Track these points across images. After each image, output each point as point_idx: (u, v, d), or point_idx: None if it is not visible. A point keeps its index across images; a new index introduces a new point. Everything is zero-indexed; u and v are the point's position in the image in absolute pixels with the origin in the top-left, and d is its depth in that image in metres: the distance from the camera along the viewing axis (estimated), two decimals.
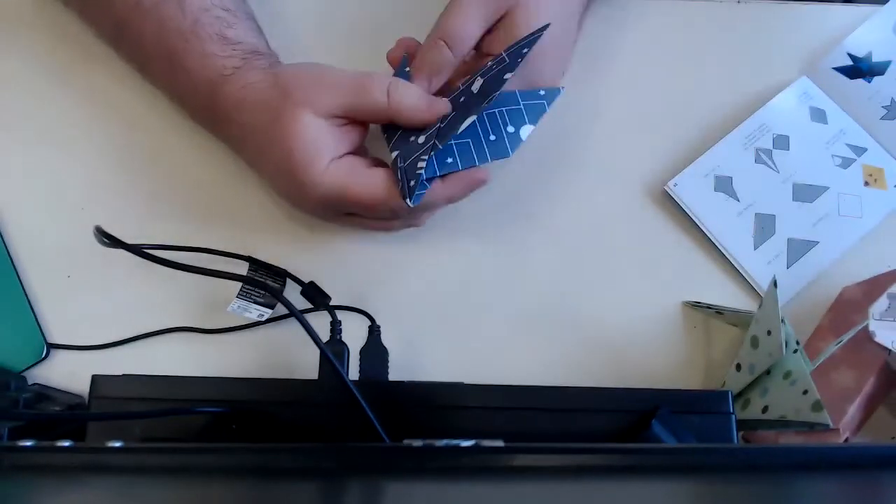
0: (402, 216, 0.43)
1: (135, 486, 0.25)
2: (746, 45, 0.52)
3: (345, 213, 0.43)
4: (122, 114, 0.48)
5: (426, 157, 0.40)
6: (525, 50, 0.41)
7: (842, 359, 0.43)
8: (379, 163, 0.43)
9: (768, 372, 0.41)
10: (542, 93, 0.42)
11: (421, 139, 0.41)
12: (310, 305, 0.45)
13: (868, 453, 0.28)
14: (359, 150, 0.43)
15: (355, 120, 0.42)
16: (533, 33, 0.42)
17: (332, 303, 0.45)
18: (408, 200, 0.39)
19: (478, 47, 0.44)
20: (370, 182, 0.40)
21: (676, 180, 0.49)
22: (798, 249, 0.48)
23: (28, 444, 0.26)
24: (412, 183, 0.39)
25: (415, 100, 0.41)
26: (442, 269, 0.47)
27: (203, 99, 0.42)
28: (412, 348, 0.46)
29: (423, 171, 0.39)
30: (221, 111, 0.42)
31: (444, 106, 0.42)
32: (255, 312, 0.43)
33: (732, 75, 0.52)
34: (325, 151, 0.40)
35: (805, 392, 0.37)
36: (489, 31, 0.44)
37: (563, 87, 0.43)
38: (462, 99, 0.42)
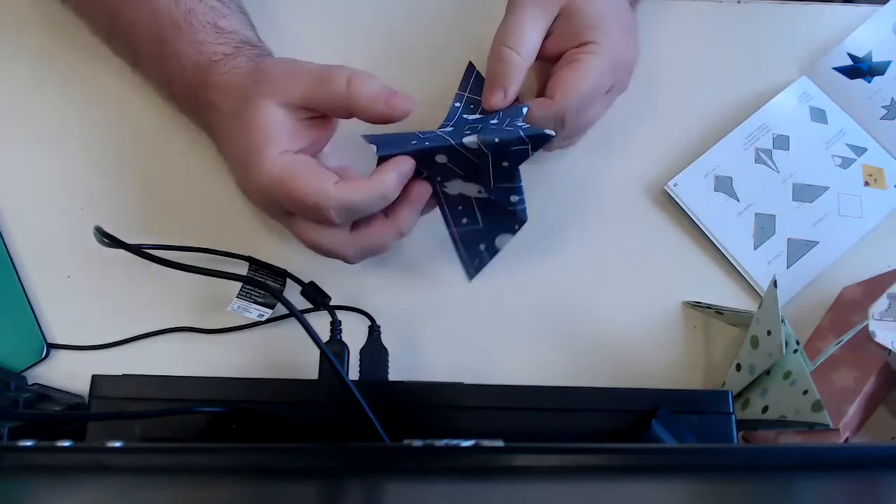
0: (331, 223, 0.39)
1: (135, 486, 0.25)
2: (746, 45, 0.52)
3: (285, 210, 0.40)
4: (122, 114, 0.48)
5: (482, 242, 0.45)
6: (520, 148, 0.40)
7: (842, 359, 0.43)
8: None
9: (768, 372, 0.41)
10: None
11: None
12: (310, 305, 0.45)
13: (868, 453, 0.28)
14: (317, 154, 0.42)
15: (320, 115, 0.41)
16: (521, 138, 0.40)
17: (332, 303, 0.45)
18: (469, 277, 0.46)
19: (539, 52, 0.43)
20: (313, 181, 0.38)
21: (676, 180, 0.49)
22: (798, 249, 0.48)
23: (28, 444, 0.26)
24: (476, 261, 0.46)
25: (374, 90, 0.39)
26: (442, 270, 0.47)
27: (190, 81, 0.42)
28: (412, 348, 0.46)
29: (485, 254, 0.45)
30: (205, 95, 0.42)
31: (406, 103, 0.40)
32: (255, 312, 0.43)
33: (732, 75, 0.52)
34: (278, 141, 0.39)
35: (805, 392, 0.37)
36: (547, 35, 0.43)
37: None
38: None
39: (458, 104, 0.45)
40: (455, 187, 0.42)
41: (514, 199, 0.42)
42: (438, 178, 0.42)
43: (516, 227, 0.44)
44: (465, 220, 0.44)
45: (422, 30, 0.51)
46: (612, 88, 0.44)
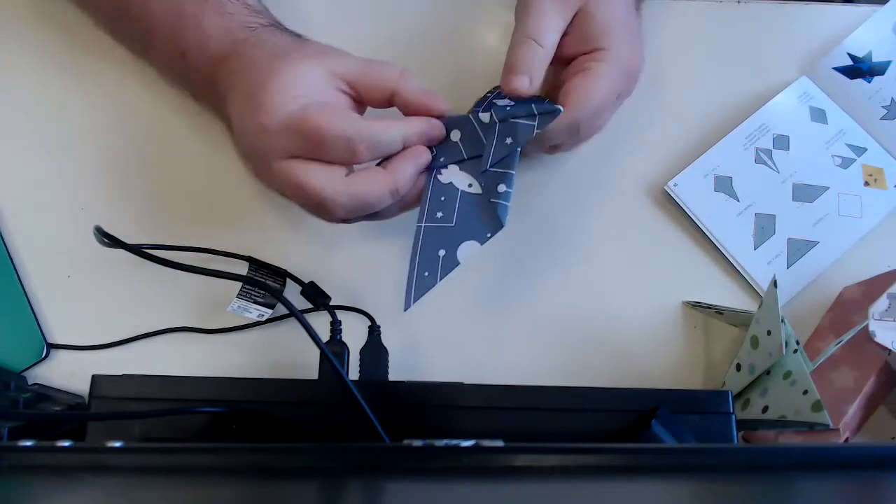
0: (358, 158, 0.37)
1: (135, 486, 0.25)
2: (746, 45, 0.52)
3: (291, 153, 0.37)
4: (122, 114, 0.48)
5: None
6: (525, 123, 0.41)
7: (842, 359, 0.43)
8: None
9: (768, 372, 0.41)
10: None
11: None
12: (310, 305, 0.45)
13: (868, 453, 0.28)
14: None
15: (355, 95, 0.40)
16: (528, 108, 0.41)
17: (332, 303, 0.45)
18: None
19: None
20: (332, 113, 0.37)
21: (676, 180, 0.49)
22: (798, 249, 0.48)
23: (28, 444, 0.26)
24: (425, 275, 0.39)
25: (419, 86, 0.40)
26: None
27: (214, 49, 0.41)
28: (412, 348, 0.46)
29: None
30: (226, 65, 0.40)
31: (444, 103, 0.41)
32: (255, 312, 0.43)
33: (732, 75, 0.52)
34: (303, 92, 0.37)
35: (805, 392, 0.37)
36: (564, 35, 0.43)
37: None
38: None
39: (490, 94, 0.46)
40: (449, 175, 0.42)
41: (501, 188, 0.41)
42: (441, 159, 0.42)
43: (489, 233, 0.40)
44: (439, 215, 0.41)
45: (422, 31, 0.52)
46: (620, 94, 0.45)
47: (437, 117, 0.41)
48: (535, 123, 0.40)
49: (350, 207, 0.38)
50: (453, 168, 0.42)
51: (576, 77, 0.42)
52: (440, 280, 0.39)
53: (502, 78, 0.42)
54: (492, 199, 0.41)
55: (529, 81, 0.41)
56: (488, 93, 0.46)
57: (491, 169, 0.41)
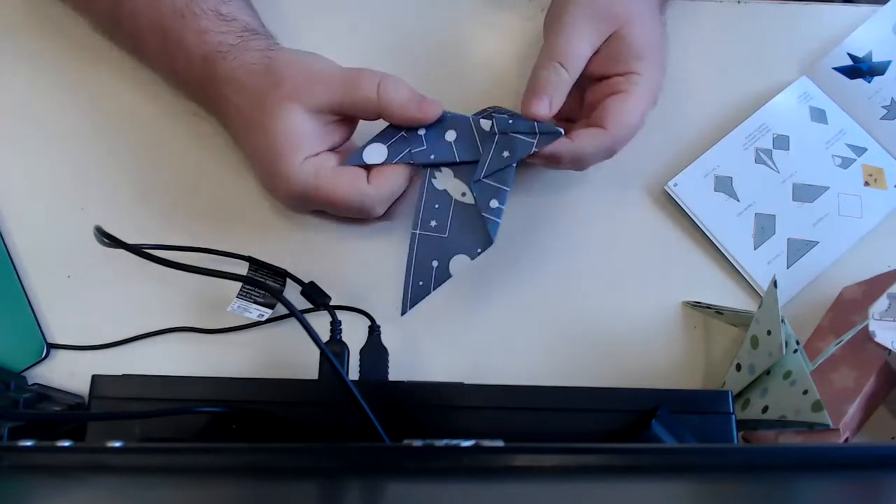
0: (372, 217, 0.44)
1: (135, 486, 0.25)
2: (746, 45, 0.52)
3: (313, 209, 0.45)
4: (122, 113, 0.48)
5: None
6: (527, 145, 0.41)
7: (842, 359, 0.43)
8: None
9: (768, 372, 0.41)
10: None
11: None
12: (310, 305, 0.45)
13: (868, 453, 0.28)
14: (344, 147, 0.44)
15: (345, 117, 0.42)
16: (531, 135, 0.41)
17: (332, 303, 0.45)
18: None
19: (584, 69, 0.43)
20: (342, 183, 0.41)
21: (676, 180, 0.49)
22: (798, 249, 0.48)
23: (28, 444, 0.26)
24: (420, 284, 0.41)
25: (405, 95, 0.41)
26: None
27: (198, 74, 0.42)
28: (412, 348, 0.46)
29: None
30: (215, 88, 0.42)
31: (435, 107, 0.42)
32: (255, 312, 0.43)
33: (732, 75, 0.52)
34: (303, 146, 0.40)
35: (805, 392, 0.37)
36: (595, 53, 0.43)
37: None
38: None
39: (489, 109, 0.46)
40: (443, 181, 0.42)
41: (493, 204, 0.41)
42: (432, 157, 0.42)
43: (479, 249, 0.41)
44: (433, 223, 0.42)
45: (418, 34, 0.52)
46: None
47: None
48: (535, 142, 0.41)
49: (386, 205, 0.44)
50: (447, 172, 0.42)
51: (612, 99, 0.43)
52: (433, 290, 0.41)
53: (523, 98, 0.43)
54: (483, 214, 0.41)
55: (549, 106, 0.42)
56: (488, 108, 0.46)
57: (484, 179, 0.41)
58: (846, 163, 0.50)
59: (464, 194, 0.42)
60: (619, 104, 0.42)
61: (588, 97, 0.45)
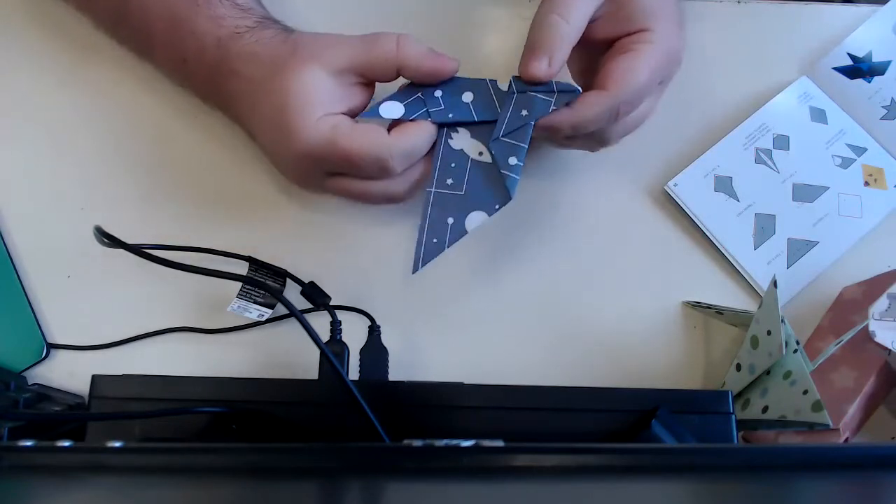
0: (391, 174, 0.40)
1: (135, 486, 0.25)
2: (746, 45, 0.52)
3: (328, 171, 0.41)
4: (122, 113, 0.48)
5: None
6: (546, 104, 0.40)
7: (842, 359, 0.43)
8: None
9: (768, 372, 0.41)
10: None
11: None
12: (310, 305, 0.45)
13: (868, 453, 0.28)
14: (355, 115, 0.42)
15: (363, 80, 0.41)
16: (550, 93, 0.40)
17: (332, 303, 0.45)
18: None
19: (586, 35, 0.40)
20: (360, 135, 0.39)
21: (676, 180, 0.49)
22: (798, 249, 0.48)
23: (28, 444, 0.26)
24: (434, 241, 0.39)
25: (423, 49, 0.40)
26: (442, 270, 0.47)
27: (210, 60, 0.41)
28: (412, 348, 0.46)
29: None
30: (227, 67, 0.41)
31: (452, 62, 0.41)
32: (255, 312, 0.43)
33: (732, 75, 0.52)
34: (321, 103, 0.39)
35: (805, 392, 0.37)
36: (597, 18, 0.40)
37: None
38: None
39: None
40: (459, 141, 0.41)
41: (511, 161, 0.40)
42: (450, 115, 0.41)
43: (497, 205, 0.40)
44: (449, 181, 0.41)
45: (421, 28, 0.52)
46: (662, 80, 0.42)
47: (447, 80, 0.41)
48: (553, 100, 0.40)
49: (412, 189, 0.42)
50: (464, 133, 0.42)
51: (617, 58, 0.40)
52: (448, 246, 0.39)
53: (521, 59, 0.40)
54: (502, 171, 0.40)
55: (549, 63, 0.39)
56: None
57: (502, 139, 0.40)
58: (846, 163, 0.50)
59: (481, 153, 0.41)
60: (623, 62, 0.39)
61: (600, 64, 0.42)
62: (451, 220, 0.40)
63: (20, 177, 0.47)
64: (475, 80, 0.42)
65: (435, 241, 0.40)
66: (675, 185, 0.49)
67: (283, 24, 0.43)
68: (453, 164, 0.41)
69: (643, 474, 0.26)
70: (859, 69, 0.52)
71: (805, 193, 0.49)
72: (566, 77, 0.43)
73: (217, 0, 0.41)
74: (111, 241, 0.36)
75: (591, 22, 0.40)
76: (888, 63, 0.52)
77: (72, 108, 0.48)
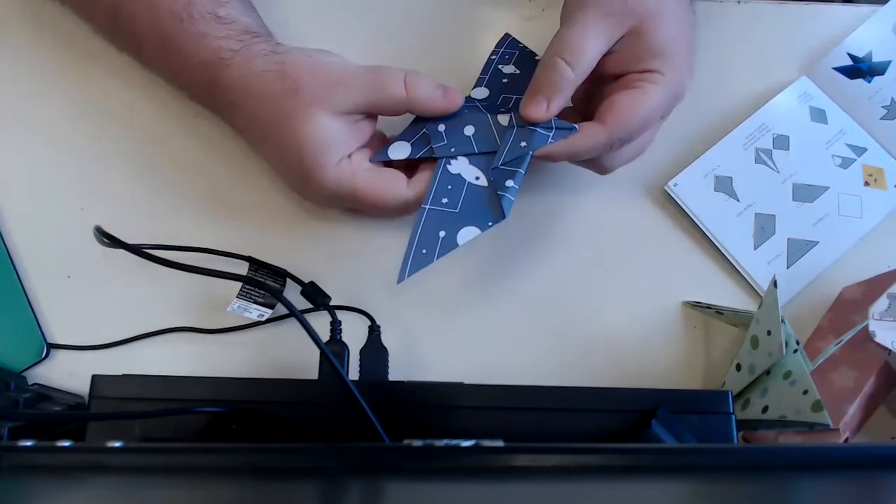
0: (411, 213, 0.42)
1: (135, 486, 0.25)
2: (746, 45, 0.52)
3: (349, 208, 0.44)
4: (122, 114, 0.48)
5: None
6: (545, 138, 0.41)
7: (842, 359, 0.43)
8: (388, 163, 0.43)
9: (768, 372, 0.41)
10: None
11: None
12: (310, 305, 0.45)
13: (868, 453, 0.28)
14: (371, 140, 0.43)
15: (372, 117, 0.42)
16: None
17: (332, 303, 0.45)
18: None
19: (595, 68, 0.41)
20: (381, 186, 0.41)
21: (676, 180, 0.49)
22: (798, 249, 0.48)
23: (28, 444, 0.26)
24: (423, 252, 0.39)
25: (431, 89, 0.41)
26: (442, 270, 0.47)
27: (201, 83, 0.42)
28: (412, 348, 0.46)
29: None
30: (223, 97, 0.41)
31: (458, 97, 0.42)
32: (255, 312, 0.43)
33: (732, 75, 0.52)
34: (336, 150, 0.40)
35: (805, 392, 0.37)
36: (608, 52, 0.41)
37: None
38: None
39: (493, 56, 0.48)
40: (458, 167, 0.42)
41: (509, 183, 0.41)
42: (452, 150, 0.42)
43: (490, 222, 0.40)
44: (444, 201, 0.41)
45: (417, 29, 0.52)
46: (663, 115, 0.43)
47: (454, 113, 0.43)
48: (551, 135, 0.41)
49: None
50: (463, 160, 0.43)
51: (620, 93, 0.41)
52: (437, 259, 0.39)
53: (523, 99, 0.42)
54: (498, 192, 0.41)
55: (547, 108, 0.41)
56: (492, 55, 0.48)
57: (501, 167, 0.42)
58: (846, 163, 0.50)
59: (478, 178, 0.42)
60: (628, 98, 0.40)
61: (606, 93, 0.42)
62: (442, 234, 0.40)
63: (20, 177, 0.47)
64: (476, 113, 0.44)
65: (424, 251, 0.40)
66: (675, 185, 0.49)
67: (266, 39, 0.43)
68: (450, 187, 0.42)
69: (643, 474, 0.26)
70: (859, 69, 0.52)
71: (805, 193, 0.49)
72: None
73: (199, 15, 0.41)
74: (111, 241, 0.36)
75: (607, 53, 0.41)
76: (888, 63, 0.52)
77: (72, 108, 0.48)
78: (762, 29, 0.53)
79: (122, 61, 0.47)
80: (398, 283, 0.38)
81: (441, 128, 0.43)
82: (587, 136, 0.41)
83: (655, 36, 0.40)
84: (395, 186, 0.41)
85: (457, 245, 0.40)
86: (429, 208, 0.41)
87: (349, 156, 0.41)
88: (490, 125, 0.43)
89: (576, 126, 0.41)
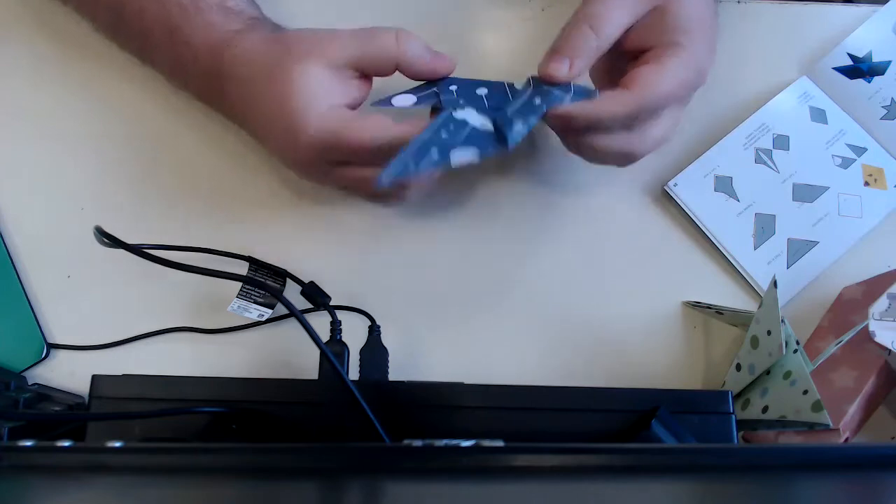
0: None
1: (135, 486, 0.25)
2: (746, 45, 0.52)
3: (335, 161, 0.40)
4: (122, 114, 0.48)
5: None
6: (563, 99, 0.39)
7: (842, 359, 0.43)
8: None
9: (768, 372, 0.41)
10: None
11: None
12: (310, 305, 0.45)
13: (868, 453, 0.28)
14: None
15: (362, 75, 0.41)
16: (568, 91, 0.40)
17: (332, 303, 0.45)
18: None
19: (617, 43, 0.40)
20: (369, 124, 0.39)
21: (676, 180, 0.49)
22: (798, 249, 0.48)
23: (28, 444, 0.26)
24: (409, 163, 0.36)
25: (422, 45, 0.40)
26: (442, 270, 0.47)
27: (205, 67, 0.42)
28: (412, 348, 0.46)
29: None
30: (221, 72, 0.41)
31: (449, 62, 0.41)
32: (255, 312, 0.43)
33: (732, 75, 0.52)
34: (323, 97, 0.39)
35: (805, 392, 0.37)
36: (631, 28, 0.40)
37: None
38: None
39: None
40: (464, 114, 0.40)
41: (517, 127, 0.38)
42: (461, 102, 0.40)
43: (491, 149, 0.38)
44: (444, 136, 0.38)
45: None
46: (682, 98, 0.42)
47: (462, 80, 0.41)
48: (569, 97, 0.39)
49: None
50: (470, 109, 0.40)
51: (645, 65, 0.40)
52: (423, 170, 0.36)
53: (542, 59, 0.40)
54: (505, 131, 0.38)
55: (569, 67, 0.39)
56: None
57: (511, 117, 0.39)
58: (846, 163, 0.50)
59: (483, 124, 0.39)
60: (651, 69, 0.39)
61: (626, 69, 0.41)
62: (434, 151, 0.37)
63: (20, 177, 0.47)
64: (492, 81, 0.42)
65: (410, 161, 0.36)
66: (675, 185, 0.49)
67: (272, 24, 0.43)
68: (452, 127, 0.39)
69: (643, 474, 0.26)
70: (859, 69, 0.52)
71: (805, 193, 0.49)
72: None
73: (207, 6, 0.42)
74: (111, 241, 0.36)
75: (629, 30, 0.40)
76: (888, 63, 0.52)
77: (72, 108, 0.48)
78: (762, 29, 0.53)
79: (122, 61, 0.47)
80: (377, 185, 0.35)
81: (453, 87, 0.41)
82: (610, 101, 0.39)
83: (679, 13, 0.40)
84: (382, 124, 0.38)
85: (450, 165, 0.37)
86: (426, 136, 0.37)
87: (338, 107, 0.40)
88: (504, 88, 0.41)
89: (596, 91, 0.39)
